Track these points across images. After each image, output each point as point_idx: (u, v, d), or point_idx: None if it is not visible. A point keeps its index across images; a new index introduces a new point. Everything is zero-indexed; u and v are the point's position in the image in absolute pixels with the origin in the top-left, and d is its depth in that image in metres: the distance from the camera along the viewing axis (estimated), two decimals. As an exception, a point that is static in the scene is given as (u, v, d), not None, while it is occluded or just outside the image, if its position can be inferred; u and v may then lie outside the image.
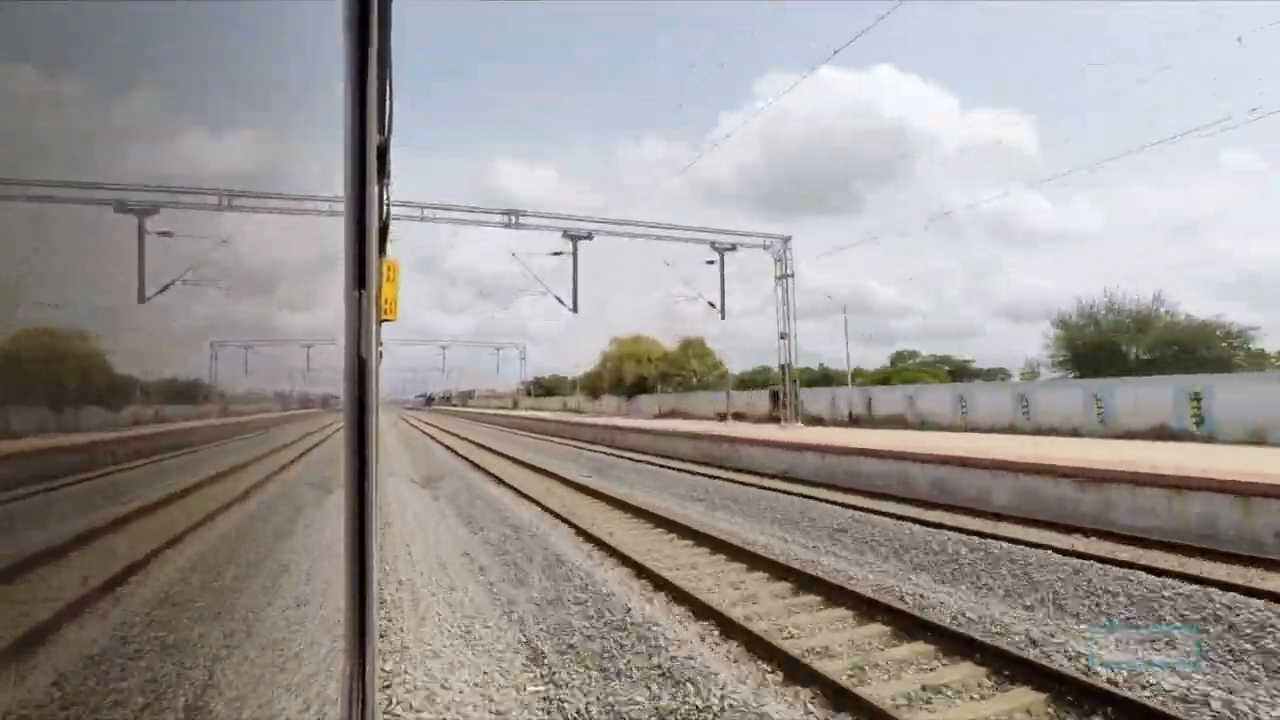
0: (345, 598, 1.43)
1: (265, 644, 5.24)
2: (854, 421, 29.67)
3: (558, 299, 23.76)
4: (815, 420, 29.45)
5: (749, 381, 49.41)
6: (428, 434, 37.23)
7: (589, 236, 23.84)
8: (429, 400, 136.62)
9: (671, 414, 44.26)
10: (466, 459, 21.35)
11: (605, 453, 23.43)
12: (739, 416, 33.59)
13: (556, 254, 23.72)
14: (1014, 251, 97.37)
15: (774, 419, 30.92)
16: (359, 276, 1.39)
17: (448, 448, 26.59)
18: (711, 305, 26.33)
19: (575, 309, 23.55)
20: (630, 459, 20.52)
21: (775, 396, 32.99)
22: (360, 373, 1.40)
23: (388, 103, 2.32)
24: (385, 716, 3.70)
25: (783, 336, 26.67)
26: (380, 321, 3.64)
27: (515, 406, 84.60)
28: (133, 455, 22.03)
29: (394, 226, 12.29)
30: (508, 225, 22.77)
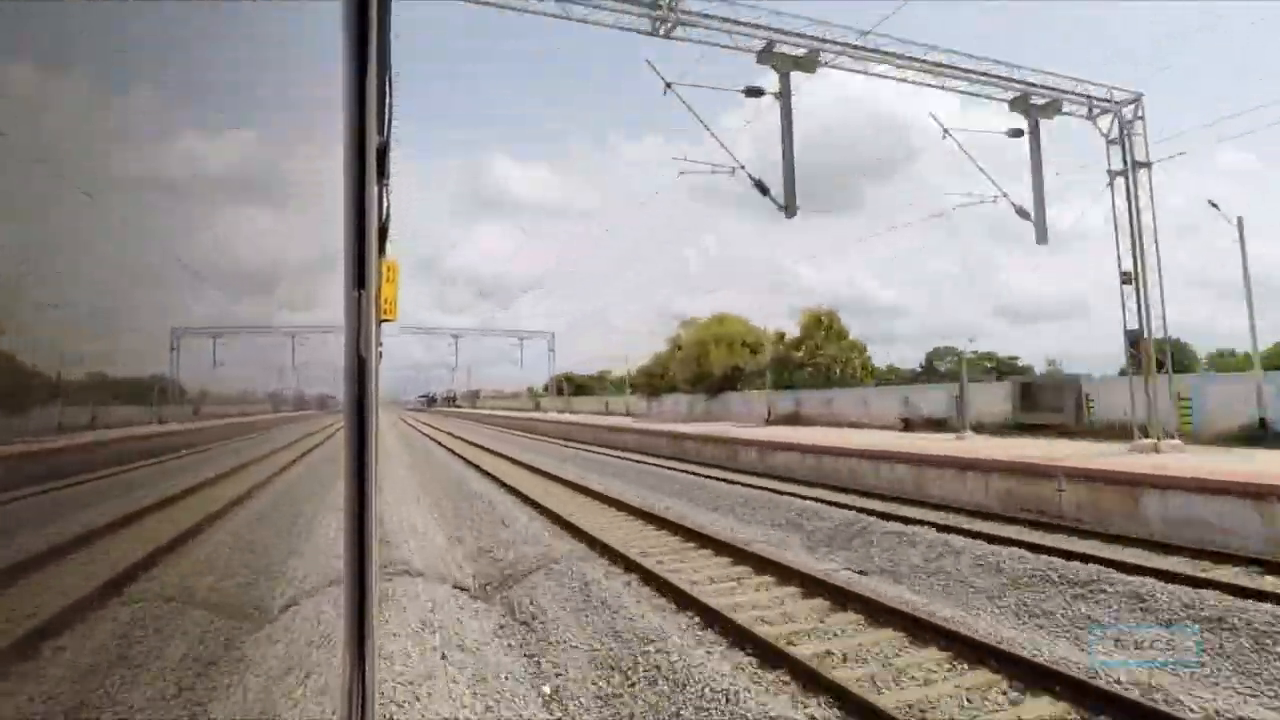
0: (345, 598, 1.43)
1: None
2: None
3: (759, 186, 12.88)
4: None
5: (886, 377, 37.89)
6: (453, 449, 28.38)
7: (811, 63, 12.83)
8: (431, 401, 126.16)
9: (794, 420, 30.10)
10: (539, 506, 12.77)
11: (778, 491, 13.69)
12: (938, 424, 22.00)
13: (754, 92, 12.91)
14: (1014, 251, 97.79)
15: (1025, 428, 20.16)
16: (359, 276, 1.39)
17: (493, 478, 17.40)
18: (1023, 215, 14.90)
19: (791, 209, 12.58)
20: (868, 513, 10.93)
21: (1028, 392, 21.52)
22: (360, 373, 1.41)
23: (387, 102, 2.32)
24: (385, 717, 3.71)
25: (1126, 280, 14.69)
26: (380, 321, 3.65)
27: (537, 408, 71.77)
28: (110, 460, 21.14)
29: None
30: (653, 30, 12.20)
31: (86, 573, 7.63)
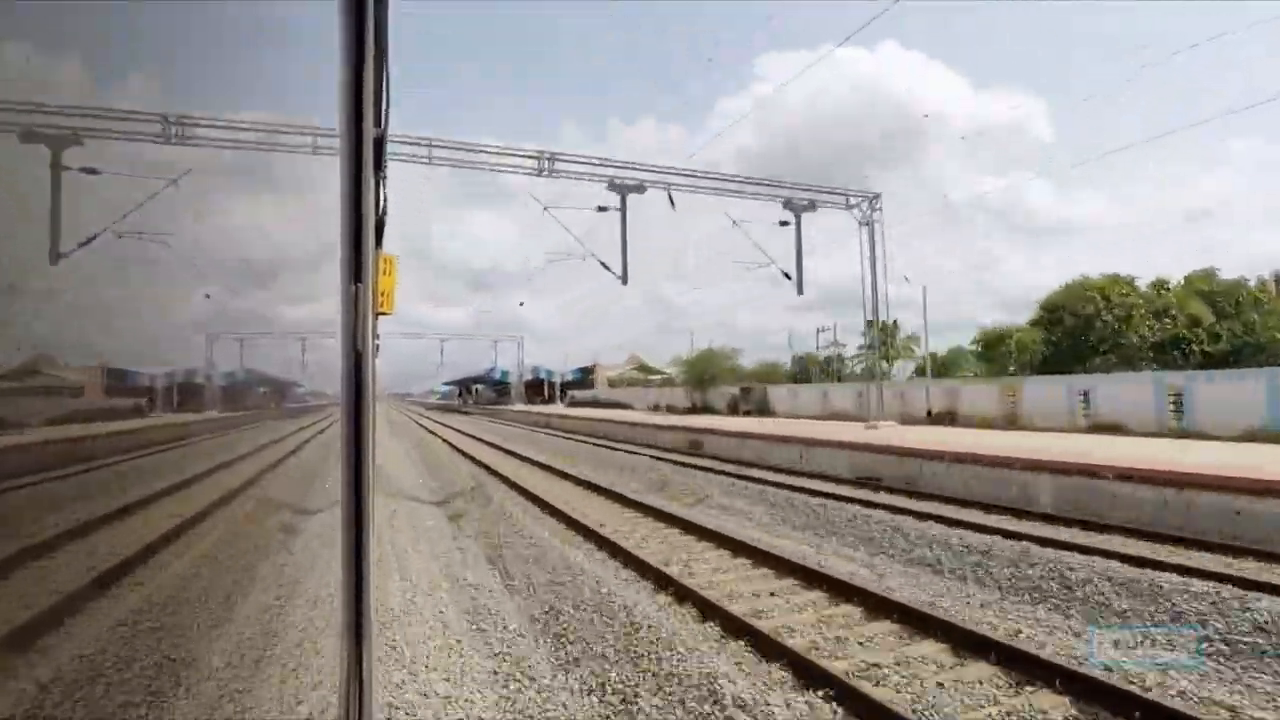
0: (342, 597, 1.42)
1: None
2: None
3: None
4: None
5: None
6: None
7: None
8: (466, 390, 78.66)
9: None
10: None
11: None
12: None
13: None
14: (1020, 242, 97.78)
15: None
16: (355, 270, 1.38)
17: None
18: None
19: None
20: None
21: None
22: (357, 367, 1.40)
23: (384, 94, 2.30)
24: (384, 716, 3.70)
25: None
26: (377, 315, 3.64)
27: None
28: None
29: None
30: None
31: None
